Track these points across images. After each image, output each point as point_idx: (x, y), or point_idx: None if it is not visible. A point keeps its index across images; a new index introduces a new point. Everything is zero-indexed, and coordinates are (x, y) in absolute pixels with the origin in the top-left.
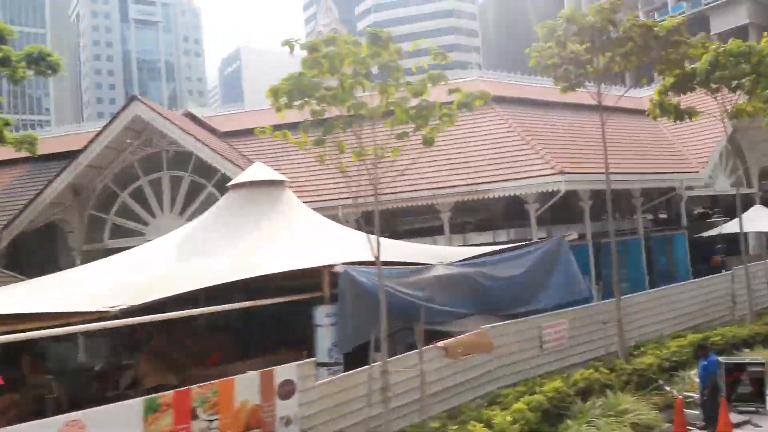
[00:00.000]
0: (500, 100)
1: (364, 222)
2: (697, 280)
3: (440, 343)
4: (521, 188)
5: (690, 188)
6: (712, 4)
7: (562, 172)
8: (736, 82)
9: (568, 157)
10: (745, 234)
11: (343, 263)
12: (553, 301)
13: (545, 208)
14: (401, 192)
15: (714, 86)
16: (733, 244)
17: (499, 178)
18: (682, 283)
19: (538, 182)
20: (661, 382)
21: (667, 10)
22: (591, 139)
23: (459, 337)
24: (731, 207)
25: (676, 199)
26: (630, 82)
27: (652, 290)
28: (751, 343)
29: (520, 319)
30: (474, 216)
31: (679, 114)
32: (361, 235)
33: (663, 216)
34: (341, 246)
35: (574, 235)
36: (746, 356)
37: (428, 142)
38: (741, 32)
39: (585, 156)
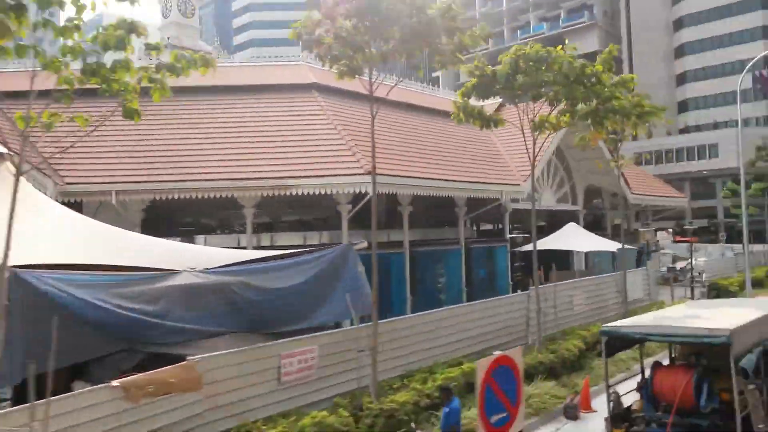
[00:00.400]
0: (325, 90)
1: (155, 212)
2: (489, 299)
3: (117, 382)
4: (328, 186)
5: (516, 201)
6: (568, 28)
7: (370, 173)
8: (537, 90)
9: (386, 158)
10: (570, 251)
11: (17, 265)
12: (335, 317)
13: (357, 210)
14: (190, 180)
15: (517, 93)
16: (558, 259)
17: (305, 173)
18: (470, 303)
19: (346, 182)
20: (413, 425)
21: (529, 29)
22: (420, 142)
23: (151, 372)
24: (562, 222)
25: (501, 211)
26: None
27: (434, 311)
28: (532, 374)
29: (248, 347)
30: (290, 214)
31: (485, 121)
32: (110, 231)
33: (514, 228)
34: (41, 243)
35: (364, 244)
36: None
37: (129, 114)
38: (591, 57)
39: (407, 159)
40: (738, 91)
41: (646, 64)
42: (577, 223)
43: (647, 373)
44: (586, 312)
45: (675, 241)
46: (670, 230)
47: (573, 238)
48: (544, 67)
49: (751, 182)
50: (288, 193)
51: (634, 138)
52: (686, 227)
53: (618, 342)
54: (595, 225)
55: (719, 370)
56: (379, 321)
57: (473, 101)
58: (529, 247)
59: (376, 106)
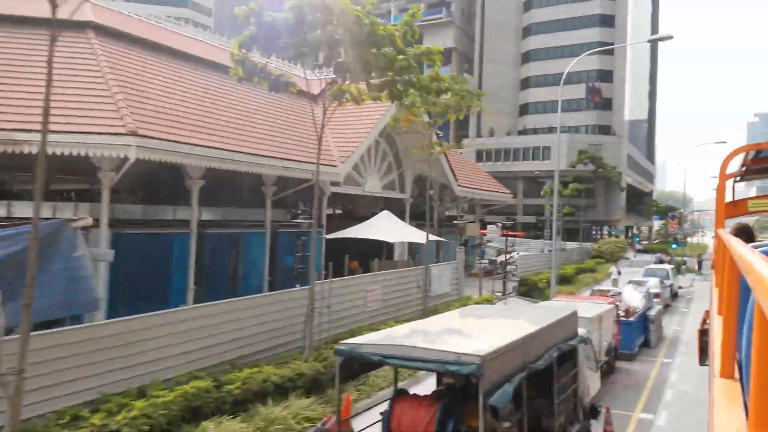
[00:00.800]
0: (104, 31)
1: None
2: (260, 295)
3: None
4: (75, 146)
5: (336, 184)
6: (426, 23)
7: (134, 134)
8: (333, 50)
9: (169, 120)
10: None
11: None
12: (39, 315)
13: (120, 178)
14: None
15: (304, 50)
16: (378, 250)
17: (39, 126)
18: (229, 300)
19: (101, 142)
20: None
21: (390, 18)
22: (224, 108)
23: None
24: (392, 211)
25: (319, 195)
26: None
27: (159, 312)
28: (287, 389)
29: None
30: (57, 181)
31: (273, 82)
32: None
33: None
34: None
35: (87, 221)
36: (251, 417)
37: None
38: (446, 54)
39: (200, 124)
40: (559, 100)
41: (496, 66)
42: (404, 212)
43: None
44: (381, 309)
45: (503, 235)
46: (500, 224)
47: (384, 228)
48: (335, 21)
49: (570, 183)
50: (28, 152)
51: (479, 134)
52: (505, 222)
53: (357, 363)
54: (424, 215)
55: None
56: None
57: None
58: (337, 234)
59: (249, 88)
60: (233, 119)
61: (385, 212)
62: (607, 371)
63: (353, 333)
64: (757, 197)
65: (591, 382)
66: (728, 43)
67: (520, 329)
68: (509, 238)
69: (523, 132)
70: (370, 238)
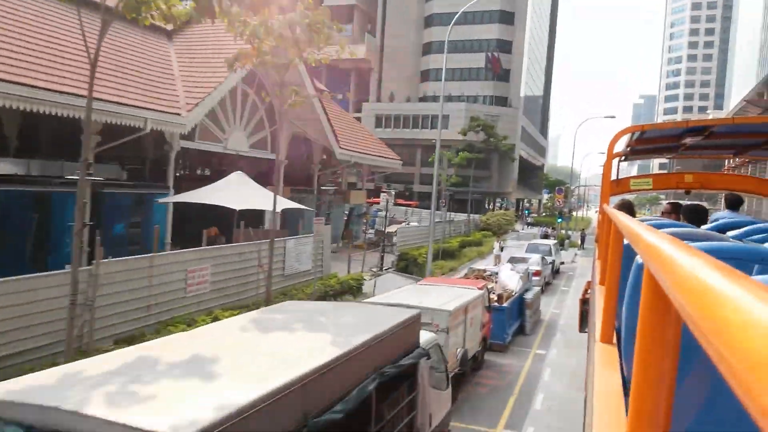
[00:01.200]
0: None
1: None
2: None
3: None
4: None
5: (189, 138)
6: None
7: None
8: None
9: None
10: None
11: None
12: None
13: None
14: None
15: None
16: (246, 217)
17: None
18: None
19: None
20: None
21: None
22: (19, 33)
23: None
24: (267, 174)
25: (166, 149)
26: None
27: None
28: None
29: None
30: None
31: None
32: None
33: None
34: None
35: None
36: None
37: None
38: (348, 11)
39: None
40: (443, 69)
41: (399, 28)
42: (278, 175)
43: None
44: (210, 294)
45: (396, 204)
46: (392, 192)
47: (233, 191)
48: None
49: (459, 152)
50: None
51: (379, 99)
52: (391, 189)
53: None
54: (306, 180)
55: None
56: None
57: None
58: (176, 198)
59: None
60: (40, 47)
61: (238, 173)
62: (474, 368)
63: (160, 331)
64: (638, 176)
65: (436, 405)
66: (619, 24)
67: (310, 357)
68: (402, 207)
69: (423, 99)
70: (208, 203)
